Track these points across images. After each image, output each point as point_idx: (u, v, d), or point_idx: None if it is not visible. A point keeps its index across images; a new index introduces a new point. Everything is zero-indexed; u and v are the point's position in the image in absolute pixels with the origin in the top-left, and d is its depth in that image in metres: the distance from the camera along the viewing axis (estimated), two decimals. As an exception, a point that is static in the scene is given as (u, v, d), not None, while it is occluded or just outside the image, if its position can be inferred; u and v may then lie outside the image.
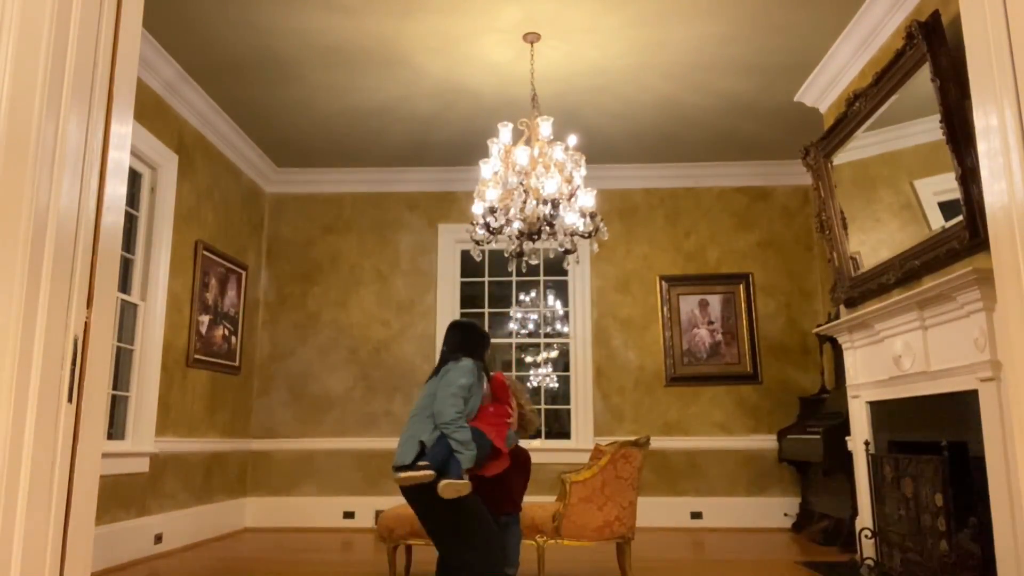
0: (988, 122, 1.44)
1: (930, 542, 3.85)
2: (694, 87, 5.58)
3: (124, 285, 5.18)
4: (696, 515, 6.62)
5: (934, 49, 3.73)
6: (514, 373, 7.29)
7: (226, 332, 6.37)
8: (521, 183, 4.46)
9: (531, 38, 4.85)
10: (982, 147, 1.47)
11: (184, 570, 4.82)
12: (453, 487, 3.25)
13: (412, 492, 3.39)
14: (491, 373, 3.82)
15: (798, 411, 6.62)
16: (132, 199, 5.29)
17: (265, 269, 7.24)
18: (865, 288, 4.73)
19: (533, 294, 7.61)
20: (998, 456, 3.33)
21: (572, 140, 4.70)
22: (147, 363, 5.21)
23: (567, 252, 4.71)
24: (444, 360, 3.65)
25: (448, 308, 7.08)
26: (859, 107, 4.60)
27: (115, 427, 5.04)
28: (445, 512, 3.37)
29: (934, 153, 3.84)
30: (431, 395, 3.49)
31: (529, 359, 8.11)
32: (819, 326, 5.86)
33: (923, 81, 3.85)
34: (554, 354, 7.93)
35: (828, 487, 5.86)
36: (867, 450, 4.66)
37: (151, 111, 5.23)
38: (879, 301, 4.48)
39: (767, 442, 6.66)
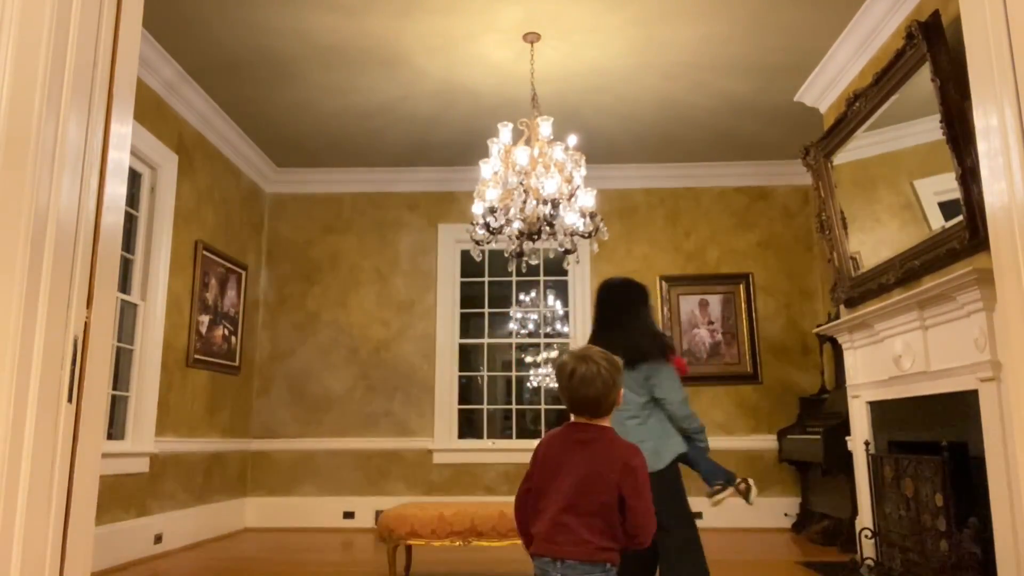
0: (988, 122, 1.44)
1: (930, 542, 3.85)
2: (694, 87, 5.57)
3: (124, 285, 5.18)
4: (696, 515, 6.59)
5: (934, 49, 3.73)
6: (514, 373, 7.30)
7: (226, 332, 6.37)
8: (521, 183, 4.46)
9: (531, 38, 4.85)
10: (982, 147, 1.47)
11: (184, 570, 4.82)
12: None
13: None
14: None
15: (798, 411, 6.61)
16: (132, 199, 5.29)
17: (265, 269, 7.24)
18: (865, 288, 4.73)
19: (533, 294, 7.61)
20: (998, 456, 3.33)
21: (572, 140, 4.70)
22: (147, 363, 5.21)
23: (567, 252, 4.72)
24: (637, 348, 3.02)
25: (448, 308, 7.08)
26: (859, 107, 4.60)
27: (115, 427, 5.04)
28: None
29: (934, 153, 3.84)
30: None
31: (529, 359, 8.11)
32: (819, 326, 5.86)
33: (923, 81, 3.85)
34: (554, 354, 7.93)
35: (828, 487, 5.86)
36: (867, 450, 4.66)
37: (151, 111, 5.23)
38: (879, 301, 4.48)
39: (767, 442, 6.65)
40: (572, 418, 2.11)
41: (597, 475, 1.97)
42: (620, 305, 3.16)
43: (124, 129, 1.57)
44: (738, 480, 3.03)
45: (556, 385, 2.11)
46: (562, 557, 1.93)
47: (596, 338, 3.10)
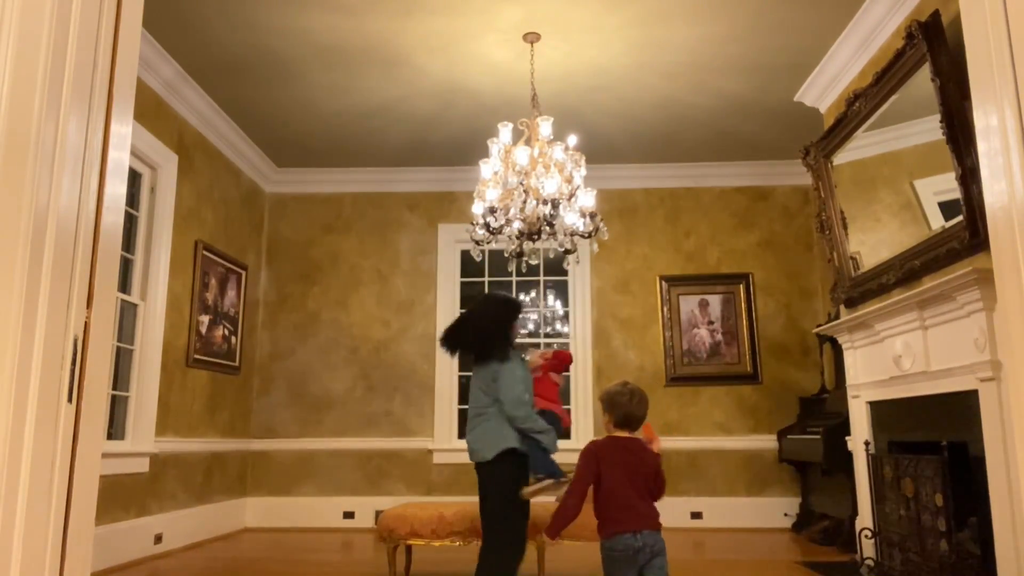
0: (988, 122, 1.44)
1: (930, 542, 3.85)
2: (694, 87, 5.57)
3: (124, 285, 5.18)
4: (696, 515, 6.62)
5: (934, 49, 3.73)
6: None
7: (226, 332, 6.37)
8: (521, 183, 4.46)
9: (531, 38, 4.85)
10: (982, 147, 1.46)
11: (184, 570, 4.82)
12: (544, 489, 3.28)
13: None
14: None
15: (798, 411, 6.62)
16: (132, 199, 5.29)
17: (265, 269, 7.24)
18: (865, 288, 4.73)
19: (533, 294, 7.60)
20: (998, 456, 3.33)
21: (572, 140, 4.70)
22: (147, 363, 5.21)
23: (567, 252, 4.71)
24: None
25: (448, 308, 7.08)
26: (859, 107, 4.60)
27: (115, 427, 5.04)
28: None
29: (934, 153, 3.84)
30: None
31: (529, 359, 8.09)
32: (819, 326, 5.86)
33: (923, 81, 3.85)
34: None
35: (828, 487, 5.86)
36: (867, 450, 4.66)
37: (151, 111, 5.23)
38: (879, 301, 4.48)
39: (767, 442, 6.66)
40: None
41: (647, 467, 2.75)
42: (485, 313, 3.67)
43: (124, 129, 1.57)
44: (563, 478, 3.24)
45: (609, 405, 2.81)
46: (640, 529, 2.65)
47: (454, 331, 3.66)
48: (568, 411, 3.67)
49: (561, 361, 3.71)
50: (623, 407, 2.78)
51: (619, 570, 2.66)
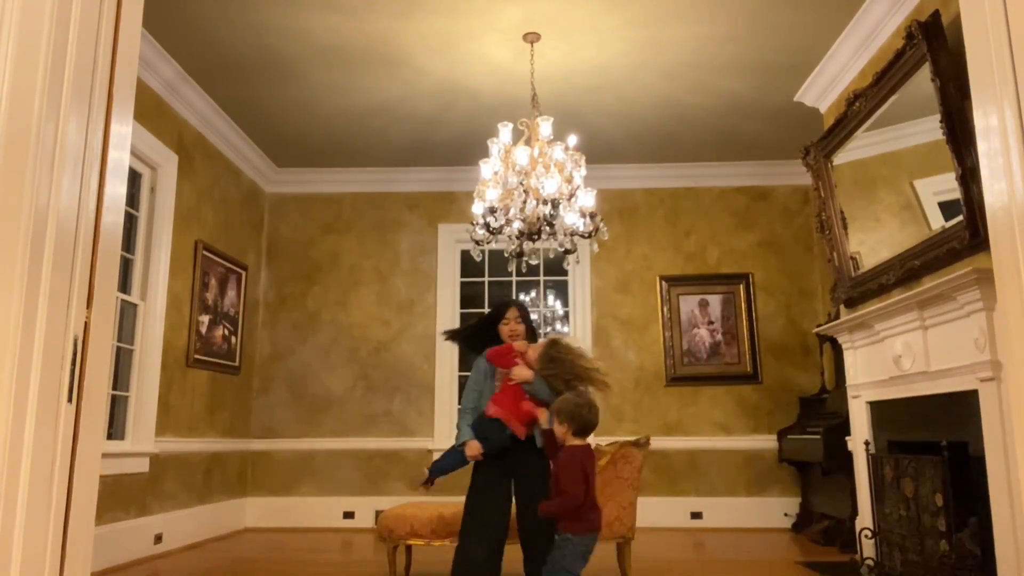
0: (988, 122, 1.44)
1: (930, 542, 3.85)
2: (694, 87, 5.57)
3: (124, 285, 5.18)
4: (696, 515, 6.62)
5: (934, 49, 3.73)
6: (514, 373, 7.28)
7: (226, 332, 6.37)
8: (521, 183, 4.46)
9: (531, 38, 4.85)
10: (982, 147, 1.47)
11: (184, 570, 4.82)
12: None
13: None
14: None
15: (798, 411, 6.62)
16: (132, 199, 5.29)
17: (265, 269, 7.24)
18: (865, 288, 4.73)
19: (533, 294, 7.61)
20: (998, 456, 3.33)
21: (572, 140, 4.70)
22: (147, 363, 5.21)
23: (567, 252, 4.71)
24: None
25: (448, 308, 7.08)
26: (859, 107, 4.60)
27: (115, 427, 5.04)
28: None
29: (934, 153, 3.84)
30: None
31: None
32: (819, 326, 5.86)
33: (923, 81, 3.85)
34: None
35: (828, 487, 5.86)
36: (867, 450, 4.66)
37: (151, 111, 5.23)
38: (879, 301, 4.48)
39: (767, 442, 6.66)
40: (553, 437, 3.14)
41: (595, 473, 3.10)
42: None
43: (124, 129, 1.57)
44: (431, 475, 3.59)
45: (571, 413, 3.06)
46: (600, 529, 3.06)
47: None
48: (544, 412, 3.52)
49: (498, 358, 3.52)
50: (583, 418, 3.07)
51: (577, 563, 3.00)
